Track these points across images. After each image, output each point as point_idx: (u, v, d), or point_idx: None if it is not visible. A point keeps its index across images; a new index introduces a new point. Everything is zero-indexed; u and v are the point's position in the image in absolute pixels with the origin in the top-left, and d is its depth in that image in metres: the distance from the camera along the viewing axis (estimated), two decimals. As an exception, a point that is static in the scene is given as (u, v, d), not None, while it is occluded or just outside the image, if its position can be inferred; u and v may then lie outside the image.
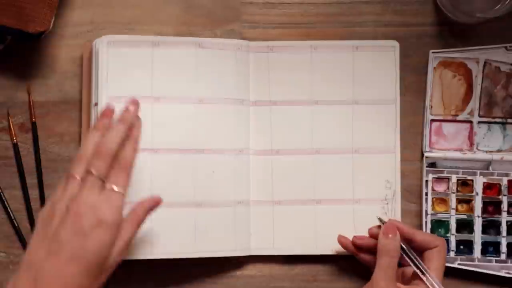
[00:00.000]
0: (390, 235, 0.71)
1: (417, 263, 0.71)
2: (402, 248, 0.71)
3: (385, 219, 0.75)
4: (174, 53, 0.76)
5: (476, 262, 0.77)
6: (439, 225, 0.78)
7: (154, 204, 0.69)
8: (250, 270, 0.78)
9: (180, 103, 0.76)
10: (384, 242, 0.71)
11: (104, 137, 0.66)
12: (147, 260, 0.75)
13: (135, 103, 0.69)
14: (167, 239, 0.76)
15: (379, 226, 0.74)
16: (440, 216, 0.78)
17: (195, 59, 0.77)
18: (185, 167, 0.76)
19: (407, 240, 0.72)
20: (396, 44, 0.78)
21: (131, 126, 0.68)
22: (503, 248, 0.77)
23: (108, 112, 0.69)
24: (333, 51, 0.78)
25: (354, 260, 0.76)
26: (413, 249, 0.72)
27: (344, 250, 0.77)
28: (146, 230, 0.75)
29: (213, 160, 0.76)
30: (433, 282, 0.69)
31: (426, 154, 0.78)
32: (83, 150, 0.66)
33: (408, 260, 0.71)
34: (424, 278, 0.70)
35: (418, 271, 0.70)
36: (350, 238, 0.76)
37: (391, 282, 0.69)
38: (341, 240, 0.76)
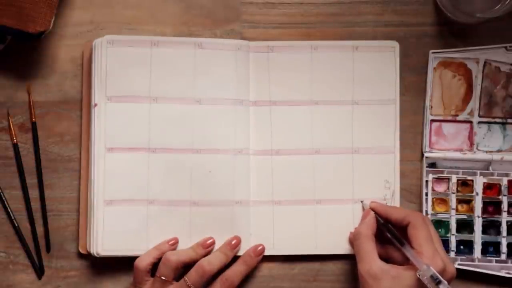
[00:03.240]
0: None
1: (394, 236, 0.71)
2: (383, 225, 0.73)
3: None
4: (173, 53, 0.76)
5: (476, 262, 0.77)
6: (439, 225, 0.78)
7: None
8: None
9: (178, 104, 0.77)
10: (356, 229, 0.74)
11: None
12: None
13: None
14: (162, 236, 0.76)
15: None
16: (440, 216, 0.78)
17: (194, 59, 0.77)
18: (181, 167, 0.76)
19: (387, 220, 0.73)
20: (396, 44, 0.78)
21: None
22: (503, 248, 0.77)
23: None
24: (333, 51, 0.78)
25: (354, 260, 0.76)
26: (397, 226, 0.73)
27: (344, 250, 0.77)
28: (142, 227, 0.76)
29: (210, 160, 0.76)
30: (408, 253, 0.69)
31: (426, 154, 0.78)
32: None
33: (388, 235, 0.72)
34: (403, 250, 0.70)
35: (396, 243, 0.71)
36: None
37: (372, 260, 0.69)
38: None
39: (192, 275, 0.73)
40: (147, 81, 0.76)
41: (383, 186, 0.77)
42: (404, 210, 0.75)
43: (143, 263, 0.74)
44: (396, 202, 0.77)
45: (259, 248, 0.76)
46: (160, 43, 0.76)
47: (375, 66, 0.78)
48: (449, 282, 0.67)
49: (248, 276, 0.77)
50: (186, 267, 0.74)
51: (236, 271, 0.75)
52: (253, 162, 0.77)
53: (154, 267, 0.75)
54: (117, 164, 0.76)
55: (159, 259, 0.75)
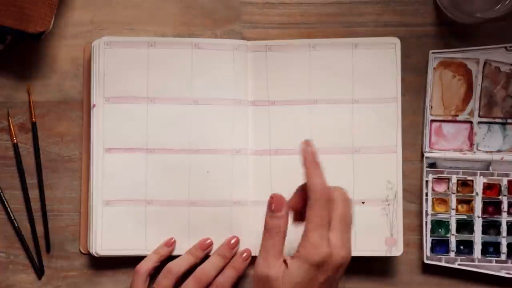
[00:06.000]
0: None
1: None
2: None
3: (386, 222, 0.75)
4: (170, 53, 0.77)
5: (476, 263, 0.77)
6: (439, 225, 0.78)
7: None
8: (250, 270, 0.78)
9: (176, 104, 0.77)
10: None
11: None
12: (142, 257, 0.76)
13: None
14: (160, 236, 0.76)
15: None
16: (440, 216, 0.78)
17: (191, 59, 0.77)
18: (179, 167, 0.76)
19: None
20: (397, 41, 0.77)
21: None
22: (503, 249, 0.77)
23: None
24: (332, 49, 0.77)
25: (354, 260, 0.75)
26: None
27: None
28: (140, 227, 0.76)
29: (208, 160, 0.76)
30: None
31: (426, 154, 0.78)
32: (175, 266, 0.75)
33: None
34: None
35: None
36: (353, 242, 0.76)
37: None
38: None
39: (189, 285, 0.74)
40: (144, 81, 0.76)
41: (384, 187, 0.77)
42: (316, 181, 0.64)
43: (143, 268, 0.74)
44: (399, 203, 0.77)
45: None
46: (157, 43, 0.76)
47: (376, 63, 0.77)
48: (336, 267, 0.63)
49: (248, 276, 0.77)
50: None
51: (226, 277, 0.75)
52: (251, 162, 0.77)
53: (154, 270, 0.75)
54: (115, 165, 0.76)
55: (159, 263, 0.75)
